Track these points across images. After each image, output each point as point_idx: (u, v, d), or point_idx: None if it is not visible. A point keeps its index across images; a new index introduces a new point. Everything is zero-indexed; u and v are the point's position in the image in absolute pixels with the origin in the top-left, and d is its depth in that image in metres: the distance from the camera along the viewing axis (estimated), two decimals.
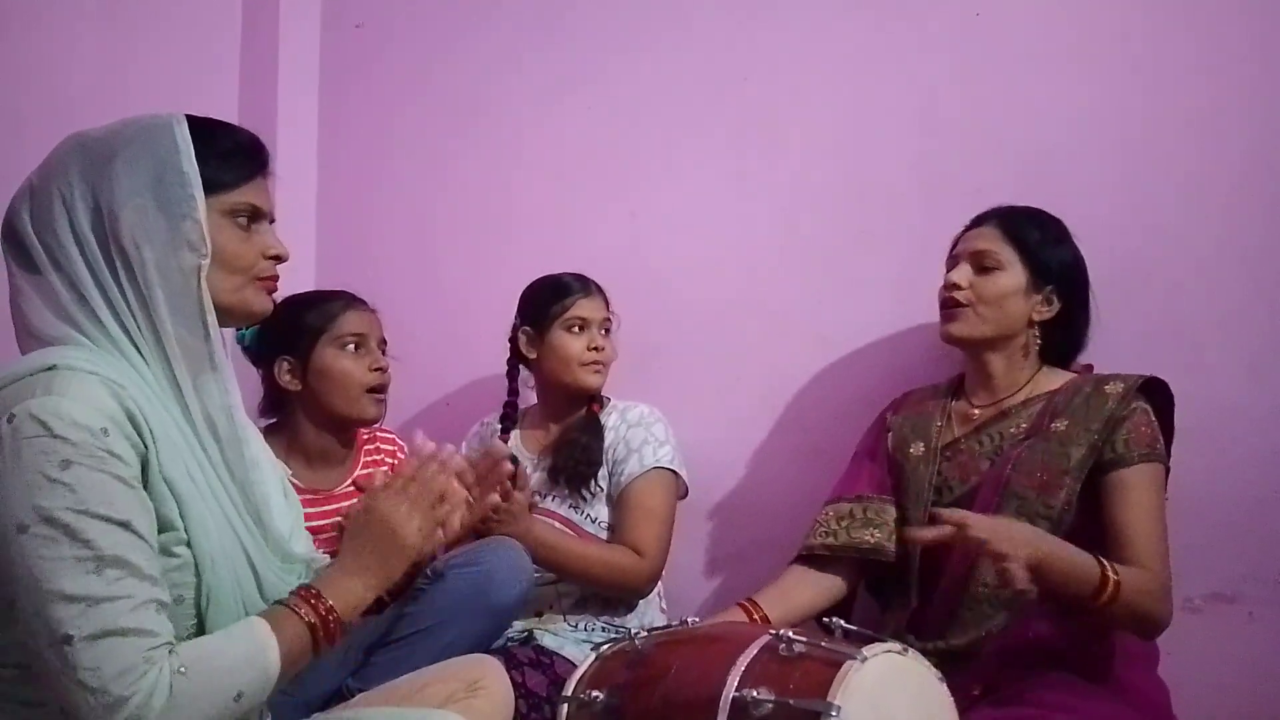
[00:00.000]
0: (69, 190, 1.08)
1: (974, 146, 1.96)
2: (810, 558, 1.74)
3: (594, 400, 2.03)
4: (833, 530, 1.73)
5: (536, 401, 2.11)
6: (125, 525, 0.98)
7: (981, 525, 1.38)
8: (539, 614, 1.90)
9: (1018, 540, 1.36)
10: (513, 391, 2.09)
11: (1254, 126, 1.80)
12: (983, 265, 1.67)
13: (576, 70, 2.30)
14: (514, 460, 1.99)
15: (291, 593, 1.10)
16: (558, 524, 1.92)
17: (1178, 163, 1.84)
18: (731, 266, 2.15)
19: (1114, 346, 1.78)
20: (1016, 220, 1.70)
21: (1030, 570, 1.33)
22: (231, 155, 1.14)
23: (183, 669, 0.97)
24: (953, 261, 1.73)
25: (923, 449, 1.72)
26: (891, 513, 1.72)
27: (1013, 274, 1.66)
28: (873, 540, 1.69)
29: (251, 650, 1.03)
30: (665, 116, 2.21)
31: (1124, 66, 1.88)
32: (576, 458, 1.95)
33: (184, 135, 1.10)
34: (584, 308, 2.00)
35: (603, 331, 2.01)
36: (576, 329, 1.99)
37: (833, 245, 2.07)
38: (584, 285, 2.02)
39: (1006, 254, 1.67)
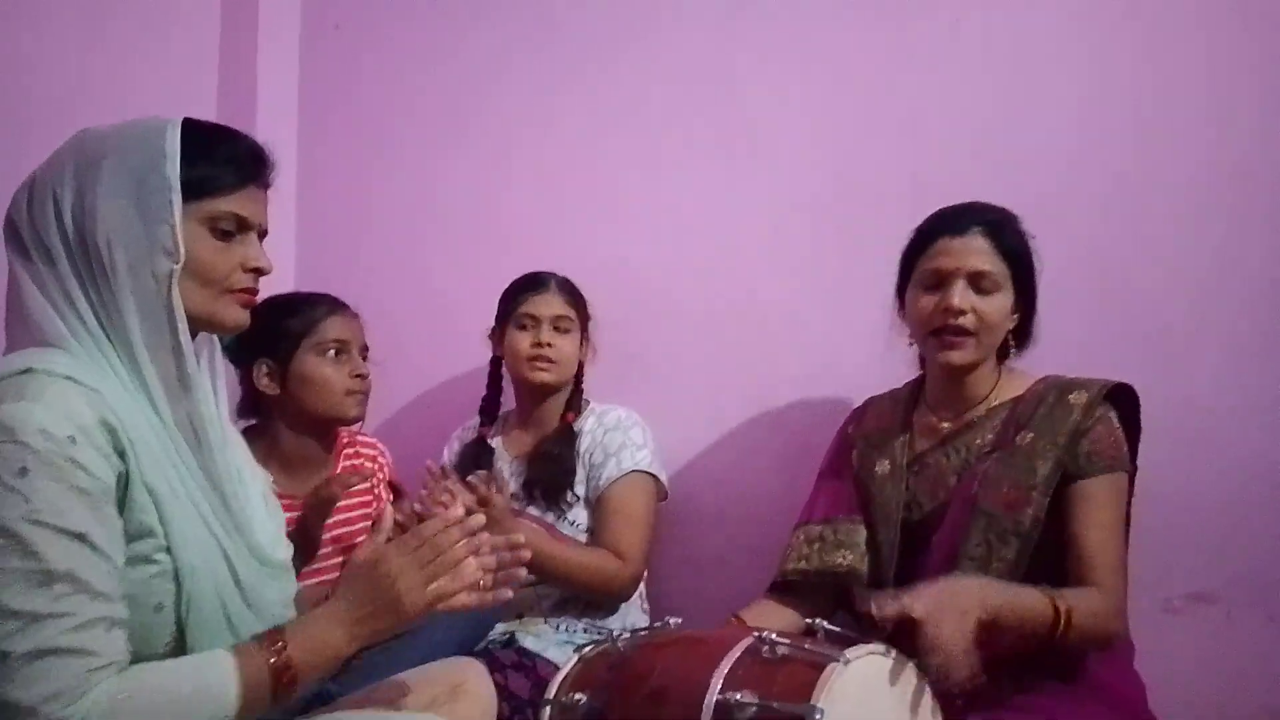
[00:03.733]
0: (61, 185, 1.08)
1: (958, 151, 1.96)
2: (785, 584, 1.71)
3: (570, 409, 2.03)
4: (804, 555, 1.69)
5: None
6: (80, 538, 0.96)
7: (922, 605, 1.29)
8: (520, 616, 1.90)
9: (962, 610, 1.30)
10: (490, 388, 2.11)
11: (1235, 133, 1.81)
12: (981, 288, 1.56)
13: (562, 73, 2.29)
14: (491, 462, 1.99)
15: (265, 633, 1.06)
16: (538, 528, 1.91)
17: (1159, 168, 1.85)
18: (717, 271, 2.15)
19: (1093, 350, 1.79)
20: (1003, 230, 1.59)
21: (984, 628, 1.31)
22: (224, 163, 1.12)
23: (126, 695, 0.94)
24: (938, 277, 1.58)
25: (889, 467, 1.68)
26: (862, 533, 1.67)
27: (1007, 293, 1.58)
28: (845, 563, 1.66)
29: (209, 684, 0.99)
30: (651, 121, 2.21)
31: (1105, 73, 1.89)
32: (550, 470, 1.95)
33: (174, 139, 1.09)
34: (532, 304, 2.00)
35: (555, 329, 2.00)
36: (525, 326, 1.99)
37: (818, 249, 2.07)
38: (538, 283, 2.02)
39: (1001, 272, 1.57)
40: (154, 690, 0.97)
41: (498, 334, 2.05)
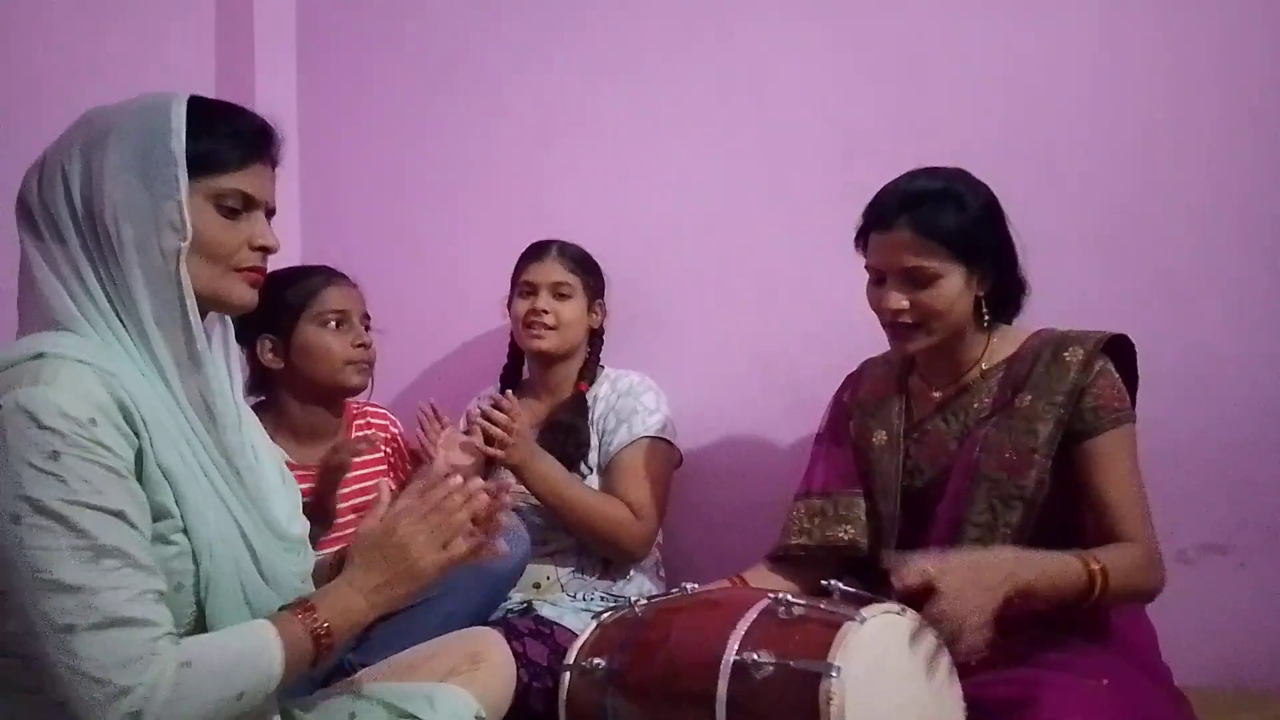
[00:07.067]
0: (69, 162, 1.07)
1: (961, 98, 1.95)
2: (786, 558, 1.70)
3: (583, 378, 2.03)
4: (805, 529, 1.69)
5: None
6: (119, 515, 0.97)
7: (947, 579, 1.28)
8: (537, 586, 1.91)
9: (987, 586, 1.29)
10: (510, 358, 2.13)
11: (1240, 75, 1.79)
12: (917, 281, 1.51)
13: (560, 28, 2.27)
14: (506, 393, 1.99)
15: (294, 603, 1.10)
16: (559, 465, 1.91)
17: (1165, 114, 1.84)
18: (719, 225, 2.14)
19: (1103, 298, 1.78)
20: (930, 213, 1.49)
21: (1014, 600, 1.31)
22: (230, 139, 1.11)
23: (188, 662, 0.97)
24: (876, 274, 1.55)
25: (885, 438, 1.66)
26: (862, 505, 1.67)
27: (952, 277, 1.50)
28: (846, 537, 1.66)
29: (256, 649, 1.03)
30: (650, 74, 2.19)
31: (1112, 17, 1.87)
32: (562, 440, 1.95)
33: (179, 114, 1.08)
34: (531, 272, 2.02)
35: (555, 295, 2.00)
36: (525, 293, 2.01)
37: (820, 201, 2.04)
38: (539, 251, 2.04)
39: (935, 260, 1.49)
40: (208, 658, 0.99)
41: (508, 304, 2.06)
